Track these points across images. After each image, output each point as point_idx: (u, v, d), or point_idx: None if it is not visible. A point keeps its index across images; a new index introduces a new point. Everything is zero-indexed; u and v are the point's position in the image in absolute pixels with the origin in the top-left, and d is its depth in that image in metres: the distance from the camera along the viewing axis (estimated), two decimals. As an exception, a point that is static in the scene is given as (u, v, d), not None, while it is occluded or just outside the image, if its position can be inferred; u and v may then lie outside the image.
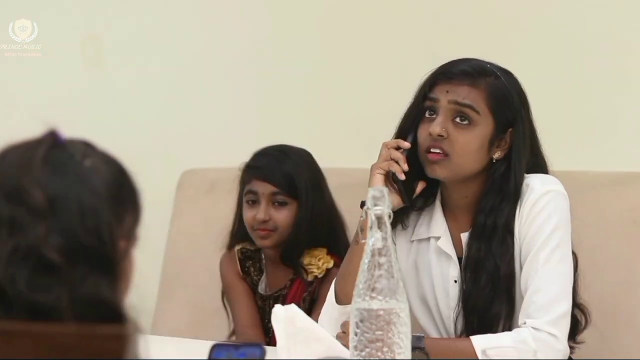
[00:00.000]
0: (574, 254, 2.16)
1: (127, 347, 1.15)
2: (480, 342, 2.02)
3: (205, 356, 1.61)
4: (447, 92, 2.12)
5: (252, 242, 2.69)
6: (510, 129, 2.14)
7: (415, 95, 2.18)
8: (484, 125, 2.12)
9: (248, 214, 2.61)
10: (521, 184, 2.14)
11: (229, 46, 3.27)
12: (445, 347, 2.06)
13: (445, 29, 3.01)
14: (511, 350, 2.01)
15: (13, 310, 1.15)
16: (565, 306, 2.07)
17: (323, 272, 2.57)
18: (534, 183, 2.13)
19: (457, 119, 2.11)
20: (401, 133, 2.18)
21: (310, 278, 2.58)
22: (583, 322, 2.20)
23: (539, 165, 2.20)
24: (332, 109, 3.15)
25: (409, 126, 2.17)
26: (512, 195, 2.13)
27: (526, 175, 2.17)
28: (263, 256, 2.69)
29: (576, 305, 2.17)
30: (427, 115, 2.14)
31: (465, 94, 2.11)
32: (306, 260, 2.59)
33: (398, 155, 2.13)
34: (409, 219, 2.24)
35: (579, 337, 2.21)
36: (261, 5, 3.25)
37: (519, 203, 2.13)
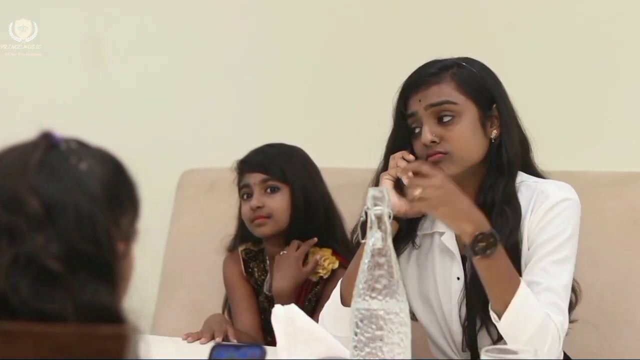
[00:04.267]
0: None
1: (127, 348, 1.15)
2: (519, 299, 2.00)
3: (206, 356, 1.62)
4: (420, 100, 2.14)
5: (255, 243, 2.70)
6: (494, 105, 2.16)
7: (394, 117, 2.20)
8: (468, 112, 2.13)
9: (244, 208, 2.64)
10: (515, 155, 2.15)
11: (229, 47, 3.27)
12: (505, 267, 2.02)
13: (444, 29, 3.02)
14: (532, 329, 1.99)
15: (16, 319, 1.15)
16: (565, 317, 2.07)
17: (328, 273, 2.58)
18: (550, 189, 2.13)
19: (441, 119, 2.12)
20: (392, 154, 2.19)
21: (315, 278, 2.59)
22: (574, 300, 2.20)
23: (524, 146, 2.20)
24: (332, 109, 3.16)
25: (399, 147, 2.18)
26: (505, 168, 2.13)
27: (540, 180, 2.16)
28: (267, 256, 2.69)
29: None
30: (415, 131, 2.16)
31: (436, 92, 2.13)
32: (311, 260, 2.60)
33: (404, 163, 2.14)
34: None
35: (572, 316, 2.20)
36: (262, 6, 3.25)
37: (531, 208, 2.12)
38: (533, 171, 2.22)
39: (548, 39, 2.93)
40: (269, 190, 2.62)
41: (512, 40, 2.96)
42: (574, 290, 2.19)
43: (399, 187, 2.14)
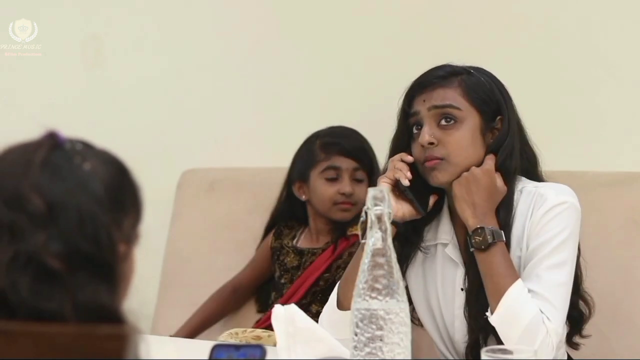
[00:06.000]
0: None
1: (127, 348, 1.15)
2: (510, 297, 2.01)
3: (206, 356, 1.61)
4: (424, 101, 2.13)
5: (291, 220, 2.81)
6: (499, 117, 2.15)
7: (398, 117, 2.19)
8: (470, 119, 2.12)
9: (330, 190, 2.70)
10: (514, 171, 2.14)
11: (229, 47, 3.27)
12: (501, 264, 2.04)
13: (444, 30, 3.01)
14: (521, 329, 1.99)
15: (15, 317, 1.15)
16: (563, 318, 2.06)
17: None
18: (548, 193, 2.11)
19: (442, 122, 2.12)
20: (395, 154, 2.19)
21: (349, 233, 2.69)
22: (587, 313, 2.20)
23: (530, 160, 2.19)
24: (331, 109, 3.15)
25: (401, 148, 2.18)
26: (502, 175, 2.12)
27: (540, 184, 2.15)
28: (309, 228, 2.79)
29: (580, 296, 2.17)
30: (414, 131, 2.16)
31: (442, 95, 2.12)
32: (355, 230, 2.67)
33: (401, 165, 2.14)
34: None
35: (585, 331, 2.20)
36: (262, 6, 3.25)
37: (530, 212, 2.11)
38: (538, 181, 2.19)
39: (548, 39, 2.93)
40: (355, 179, 2.70)
41: (511, 40, 2.95)
42: (586, 303, 2.19)
43: (398, 190, 2.14)
